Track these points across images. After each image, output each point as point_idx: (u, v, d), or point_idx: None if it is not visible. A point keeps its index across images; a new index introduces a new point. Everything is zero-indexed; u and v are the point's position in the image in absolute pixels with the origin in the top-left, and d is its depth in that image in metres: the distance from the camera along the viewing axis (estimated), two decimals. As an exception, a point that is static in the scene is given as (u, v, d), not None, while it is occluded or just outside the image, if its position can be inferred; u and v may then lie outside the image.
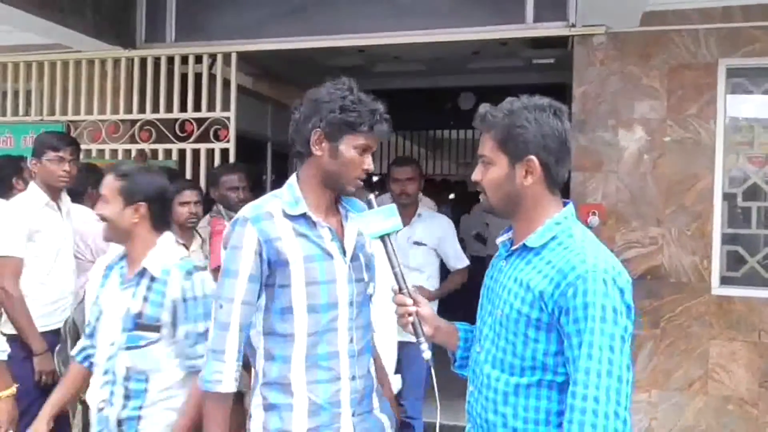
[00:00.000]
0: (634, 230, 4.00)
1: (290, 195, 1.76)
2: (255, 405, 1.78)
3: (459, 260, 3.80)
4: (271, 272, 1.72)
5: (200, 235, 3.54)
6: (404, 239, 3.60)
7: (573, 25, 4.13)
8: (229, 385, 1.69)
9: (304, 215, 1.74)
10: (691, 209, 3.95)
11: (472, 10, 4.42)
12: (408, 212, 3.62)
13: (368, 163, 1.75)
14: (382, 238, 1.63)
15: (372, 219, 1.64)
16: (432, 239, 3.69)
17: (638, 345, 3.92)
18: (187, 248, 3.38)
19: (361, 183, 1.78)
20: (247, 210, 1.75)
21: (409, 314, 1.59)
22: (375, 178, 8.87)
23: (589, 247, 1.46)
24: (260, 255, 1.69)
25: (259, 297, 1.73)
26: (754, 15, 3.86)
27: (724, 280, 3.96)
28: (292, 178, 1.80)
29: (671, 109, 3.98)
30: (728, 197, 3.99)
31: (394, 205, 1.68)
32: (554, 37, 4.34)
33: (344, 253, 1.78)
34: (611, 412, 1.34)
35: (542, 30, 4.29)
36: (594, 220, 3.97)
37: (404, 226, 3.02)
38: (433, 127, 9.79)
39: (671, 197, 3.97)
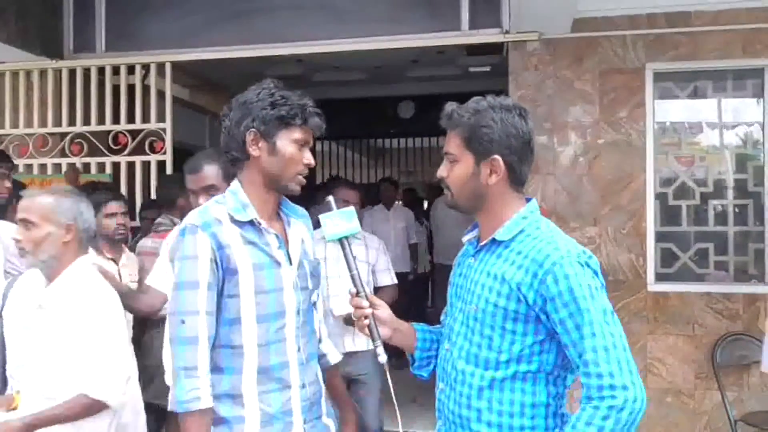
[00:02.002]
0: (573, 230, 4.10)
1: (236, 201, 1.70)
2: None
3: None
4: (223, 281, 1.65)
5: (129, 248, 3.42)
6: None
7: (507, 32, 4.22)
8: (208, 401, 1.60)
9: (251, 222, 1.69)
10: (626, 209, 4.08)
11: (409, 18, 4.46)
12: None
13: (307, 157, 1.72)
14: (340, 240, 1.61)
15: (330, 222, 1.61)
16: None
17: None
18: (116, 263, 3.26)
19: (304, 180, 1.75)
20: (194, 217, 1.68)
21: (366, 317, 1.58)
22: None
23: (558, 237, 1.50)
24: (215, 262, 1.63)
25: (217, 306, 1.65)
26: (677, 21, 4.04)
27: (659, 277, 4.10)
28: (235, 184, 1.74)
29: (604, 112, 4.11)
30: (660, 196, 4.15)
31: (352, 208, 1.66)
32: (490, 44, 4.43)
33: (290, 260, 1.75)
34: (629, 383, 1.38)
35: (478, 37, 4.37)
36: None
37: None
38: (373, 135, 9.83)
39: (607, 197, 4.10)
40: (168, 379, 1.65)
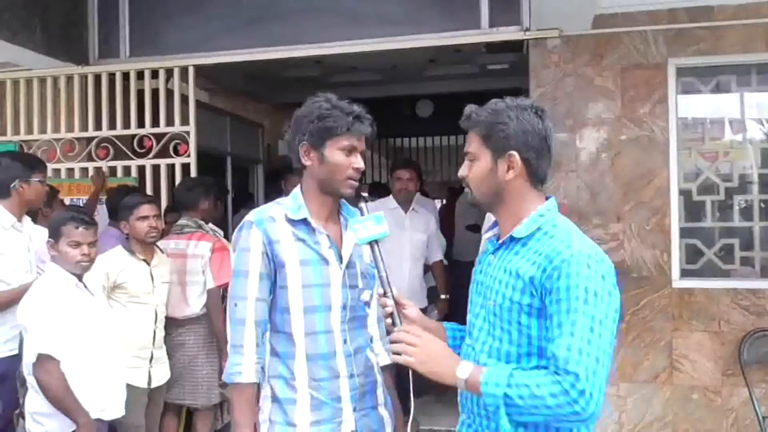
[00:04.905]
0: (596, 227, 4.09)
1: (293, 202, 1.89)
2: (264, 397, 1.88)
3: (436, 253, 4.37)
4: (275, 272, 1.84)
5: (161, 250, 3.48)
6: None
7: (527, 29, 4.22)
8: (249, 376, 1.80)
9: (304, 221, 1.86)
10: (650, 205, 4.06)
11: (427, 17, 4.47)
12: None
13: (357, 162, 1.86)
14: (370, 243, 1.71)
15: (361, 226, 1.72)
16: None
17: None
18: (148, 264, 3.32)
19: (355, 183, 1.88)
20: (252, 214, 1.89)
21: (390, 315, 1.65)
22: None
23: (573, 235, 1.53)
24: (267, 255, 1.83)
25: (270, 294, 1.85)
26: (698, 16, 4.01)
27: (684, 273, 4.07)
28: (296, 189, 1.93)
29: (625, 108, 4.10)
30: (683, 192, 4.12)
31: (382, 213, 1.76)
32: (509, 42, 4.43)
33: (341, 260, 1.88)
34: (588, 392, 1.38)
35: (497, 35, 4.36)
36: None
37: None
38: (391, 135, 9.85)
39: (629, 194, 4.08)
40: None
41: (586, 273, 1.43)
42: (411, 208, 4.26)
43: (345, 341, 1.87)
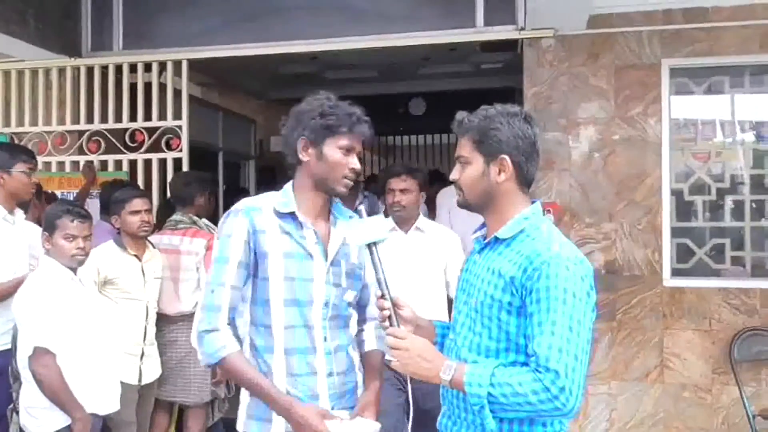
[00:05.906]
0: (588, 226, 4.11)
1: (284, 196, 1.88)
2: (243, 390, 1.86)
3: None
4: (256, 263, 1.82)
5: (152, 245, 3.45)
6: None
7: (522, 29, 4.23)
8: (233, 346, 1.78)
9: (292, 214, 1.84)
10: (642, 204, 4.08)
11: (423, 15, 4.49)
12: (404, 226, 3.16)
13: (353, 163, 1.85)
14: (368, 246, 1.72)
15: (359, 228, 1.74)
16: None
17: (596, 338, 4.02)
18: (139, 259, 3.30)
19: (350, 183, 1.87)
20: (241, 203, 1.88)
21: (388, 318, 1.68)
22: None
23: (555, 239, 1.60)
24: (248, 244, 1.81)
25: (245, 283, 1.83)
26: (694, 17, 4.03)
27: (675, 272, 4.10)
28: (288, 184, 1.92)
29: (619, 108, 4.12)
30: (675, 192, 4.14)
31: (382, 215, 1.79)
32: (503, 41, 4.44)
33: (326, 256, 1.87)
34: (568, 388, 1.44)
35: (492, 33, 4.38)
36: (549, 218, 4.05)
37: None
38: (384, 133, 9.84)
39: (622, 193, 4.10)
40: (193, 341, 1.83)
41: (565, 274, 1.50)
42: (414, 226, 3.16)
43: (325, 338, 1.85)
